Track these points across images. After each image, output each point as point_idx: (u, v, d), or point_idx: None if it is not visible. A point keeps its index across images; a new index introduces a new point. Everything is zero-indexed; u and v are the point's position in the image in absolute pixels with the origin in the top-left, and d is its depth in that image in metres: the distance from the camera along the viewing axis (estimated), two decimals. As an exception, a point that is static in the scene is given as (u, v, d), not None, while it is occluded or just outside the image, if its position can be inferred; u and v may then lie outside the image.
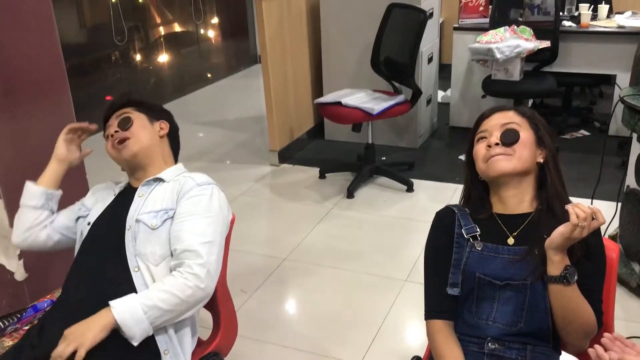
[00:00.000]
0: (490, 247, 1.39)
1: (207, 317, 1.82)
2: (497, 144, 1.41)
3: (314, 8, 4.32)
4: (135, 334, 1.42)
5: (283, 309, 2.70)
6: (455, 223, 1.45)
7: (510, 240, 1.39)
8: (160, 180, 1.68)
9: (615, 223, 2.77)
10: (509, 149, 1.40)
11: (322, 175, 3.92)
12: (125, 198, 1.68)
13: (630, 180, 2.63)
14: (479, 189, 1.50)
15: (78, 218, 1.75)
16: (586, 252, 1.32)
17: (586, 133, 4.43)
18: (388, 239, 3.18)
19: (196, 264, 1.48)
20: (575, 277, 1.28)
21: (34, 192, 1.75)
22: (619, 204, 2.69)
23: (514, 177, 1.42)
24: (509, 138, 1.41)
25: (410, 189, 3.65)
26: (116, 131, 1.70)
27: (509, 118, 1.45)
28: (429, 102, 4.43)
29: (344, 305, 2.65)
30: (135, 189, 1.69)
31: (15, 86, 2.16)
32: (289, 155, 4.25)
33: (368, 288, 2.76)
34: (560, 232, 1.25)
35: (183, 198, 1.60)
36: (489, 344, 1.35)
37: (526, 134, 1.43)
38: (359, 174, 3.76)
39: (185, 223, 1.55)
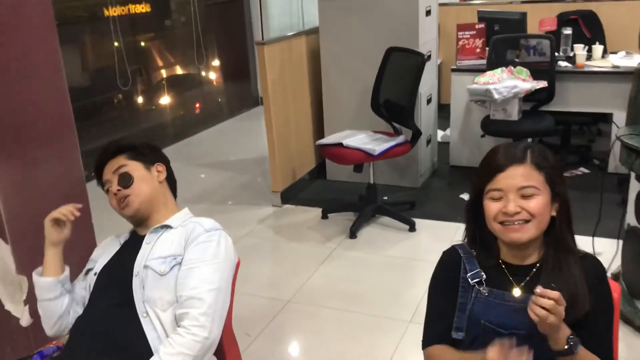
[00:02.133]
0: (496, 293, 1.39)
1: None
2: (517, 213, 1.34)
3: (314, 52, 4.42)
4: None
5: (287, 352, 2.69)
6: (460, 267, 1.45)
7: (516, 292, 1.37)
8: (168, 227, 1.71)
9: (617, 261, 2.78)
10: (528, 215, 1.34)
11: (324, 216, 3.95)
12: (131, 246, 1.71)
13: (631, 218, 2.66)
14: (486, 235, 1.45)
15: (87, 272, 1.77)
16: (591, 304, 1.32)
17: (586, 171, 4.47)
18: (391, 279, 3.19)
19: (201, 314, 1.50)
20: (579, 345, 1.27)
21: (46, 286, 1.69)
22: (620, 242, 2.71)
23: (529, 240, 1.38)
24: (524, 195, 1.35)
25: (412, 228, 3.67)
26: (119, 190, 1.70)
27: (528, 178, 1.35)
28: (429, 142, 4.48)
29: (348, 348, 2.65)
30: (141, 237, 1.71)
31: (24, 134, 2.21)
32: (292, 195, 4.29)
33: (372, 330, 2.76)
34: (543, 328, 1.25)
35: (191, 244, 1.62)
36: (495, 392, 1.34)
37: (544, 196, 1.35)
38: (361, 214, 3.78)
39: (192, 270, 1.57)
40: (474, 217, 1.46)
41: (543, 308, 1.22)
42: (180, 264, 1.60)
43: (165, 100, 6.11)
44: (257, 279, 3.26)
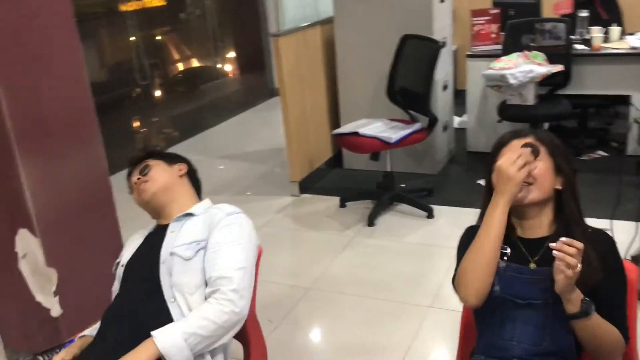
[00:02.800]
0: (513, 267, 1.45)
1: (238, 348, 1.87)
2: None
3: (329, 42, 4.44)
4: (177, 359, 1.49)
5: (309, 338, 2.74)
6: None
7: (532, 266, 1.44)
8: (191, 215, 1.77)
9: (636, 243, 2.78)
10: (530, 178, 1.43)
11: (342, 204, 3.99)
12: (156, 236, 1.77)
13: (650, 201, 2.66)
14: None
15: (116, 268, 1.83)
16: (601, 274, 1.36)
17: (604, 154, 4.45)
18: (410, 266, 3.22)
19: (230, 290, 1.55)
20: (593, 307, 1.32)
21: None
22: (639, 224, 2.72)
23: (534, 206, 1.46)
24: (533, 152, 1.44)
25: (430, 215, 3.70)
26: (138, 178, 1.82)
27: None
28: (445, 128, 4.49)
29: (369, 334, 2.69)
30: (165, 227, 1.77)
31: (49, 129, 2.27)
32: (309, 185, 4.33)
33: (392, 316, 2.80)
34: (563, 282, 1.29)
35: (215, 229, 1.68)
36: (516, 363, 1.39)
37: (546, 162, 1.46)
38: (378, 201, 3.81)
39: (219, 252, 1.63)
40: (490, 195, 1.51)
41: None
42: (204, 248, 1.66)
43: (182, 93, 6.18)
44: (277, 267, 3.32)
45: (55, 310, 2.37)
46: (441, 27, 4.20)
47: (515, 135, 1.53)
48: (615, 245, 1.42)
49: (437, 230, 3.57)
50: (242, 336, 1.81)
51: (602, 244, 1.43)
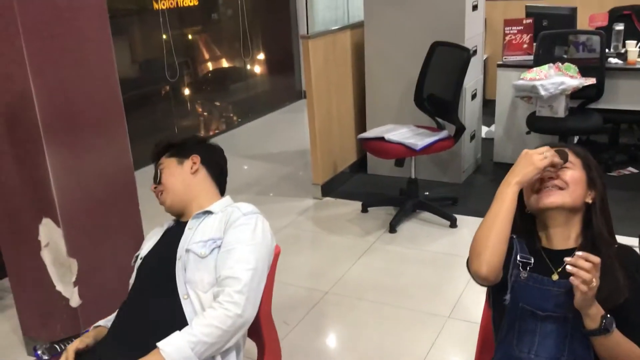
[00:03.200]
0: (535, 277, 1.42)
1: (252, 348, 1.86)
2: (550, 178, 1.43)
3: (358, 46, 4.43)
4: None
5: (324, 342, 2.73)
6: (512, 247, 1.47)
7: (555, 277, 1.41)
8: (209, 212, 1.77)
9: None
10: (562, 182, 1.42)
11: (364, 209, 3.97)
12: (175, 232, 1.78)
13: (680, 220, 2.59)
14: (527, 222, 1.52)
15: (135, 260, 1.84)
16: (627, 292, 1.32)
17: (634, 170, 4.36)
18: (431, 274, 3.18)
19: (235, 292, 1.54)
20: (614, 325, 1.28)
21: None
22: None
23: (562, 212, 1.44)
24: (562, 157, 1.43)
25: (453, 224, 3.66)
26: (155, 187, 1.85)
27: None
28: (472, 137, 4.44)
29: (385, 341, 2.66)
30: (184, 223, 1.78)
31: (76, 122, 2.30)
32: (332, 188, 4.32)
33: (410, 324, 2.77)
34: (580, 297, 1.26)
35: (230, 227, 1.68)
36: (532, 378, 1.36)
37: (579, 172, 1.45)
38: (401, 208, 3.78)
39: (230, 251, 1.62)
40: (518, 207, 1.48)
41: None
42: (219, 247, 1.65)
43: (211, 92, 6.22)
44: (296, 269, 3.31)
45: (75, 300, 2.40)
46: (472, 35, 4.15)
47: (551, 146, 1.51)
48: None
49: (459, 240, 3.52)
50: (256, 336, 1.80)
51: (629, 261, 1.39)
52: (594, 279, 1.24)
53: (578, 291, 1.26)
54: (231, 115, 6.44)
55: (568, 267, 1.25)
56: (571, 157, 1.47)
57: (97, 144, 2.40)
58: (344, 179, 4.49)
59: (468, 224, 3.66)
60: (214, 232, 1.70)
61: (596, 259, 1.24)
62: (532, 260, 1.45)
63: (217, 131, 6.12)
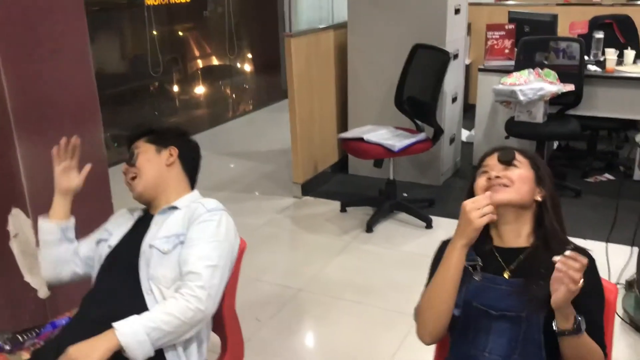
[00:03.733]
0: (488, 277, 1.44)
1: (218, 341, 1.87)
2: (497, 177, 1.47)
3: (341, 46, 4.45)
4: (137, 356, 1.48)
5: (295, 339, 2.74)
6: None
7: (507, 274, 1.44)
8: (175, 208, 1.77)
9: (629, 268, 2.75)
10: (508, 180, 1.45)
11: (343, 209, 3.98)
12: (143, 225, 1.77)
13: (648, 226, 2.63)
14: None
15: (99, 241, 1.84)
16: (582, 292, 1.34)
17: (610, 177, 4.41)
18: (404, 274, 3.20)
19: (198, 287, 1.55)
20: (584, 325, 1.30)
21: (47, 229, 1.84)
22: (634, 248, 2.68)
23: (511, 210, 1.46)
24: (506, 156, 1.48)
25: (429, 225, 3.68)
26: (127, 168, 1.81)
27: None
28: (452, 141, 4.47)
29: (355, 339, 2.68)
30: (152, 216, 1.78)
31: (50, 114, 2.29)
32: (312, 188, 4.33)
33: (381, 322, 2.78)
34: (564, 296, 1.25)
35: (193, 223, 1.68)
36: (484, 376, 1.38)
37: (526, 170, 1.49)
38: (379, 208, 3.81)
39: (193, 247, 1.63)
40: None
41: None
42: (182, 243, 1.66)
43: (196, 89, 6.21)
44: (271, 266, 3.32)
45: (43, 291, 2.38)
46: (454, 39, 4.19)
47: (500, 148, 1.56)
48: (594, 264, 1.41)
49: (434, 241, 3.46)
50: (220, 331, 1.81)
51: None
52: (581, 279, 1.24)
53: (563, 289, 1.25)
54: (216, 112, 6.44)
55: (558, 266, 1.25)
56: (519, 157, 1.51)
57: (70, 135, 2.38)
58: (324, 178, 4.50)
59: (444, 225, 3.69)
60: (178, 228, 1.69)
61: (584, 260, 1.25)
62: (479, 260, 1.47)
63: (201, 128, 6.11)
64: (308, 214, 4.01)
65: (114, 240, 1.79)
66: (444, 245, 1.55)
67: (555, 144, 5.02)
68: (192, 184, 1.92)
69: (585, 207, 3.92)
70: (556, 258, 1.27)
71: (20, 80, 2.16)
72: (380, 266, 3.30)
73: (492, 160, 1.52)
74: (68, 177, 1.87)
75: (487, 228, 1.53)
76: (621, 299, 2.76)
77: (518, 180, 1.46)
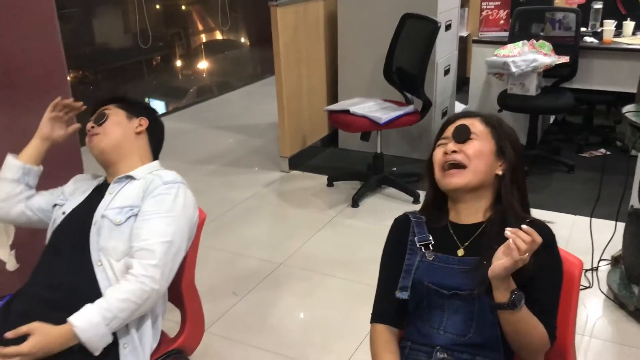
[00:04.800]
0: (440, 257, 1.37)
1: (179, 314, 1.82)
2: (453, 152, 1.38)
3: (331, 16, 4.33)
4: (99, 346, 1.44)
5: (272, 313, 2.69)
6: (409, 230, 1.44)
7: (460, 252, 1.37)
8: (131, 177, 1.70)
9: (613, 244, 2.68)
10: (464, 157, 1.37)
11: (330, 184, 3.91)
12: (99, 193, 1.71)
13: (635, 201, 2.55)
14: (439, 196, 1.47)
15: (55, 205, 1.78)
16: (536, 269, 1.27)
17: (606, 152, 4.31)
18: (387, 249, 3.14)
19: (150, 265, 1.48)
20: (523, 301, 1.23)
21: (11, 165, 1.79)
22: (618, 224, 2.61)
23: (468, 190, 1.39)
24: (460, 135, 1.39)
25: (416, 200, 3.61)
26: (92, 127, 1.74)
27: (471, 125, 1.41)
28: (444, 114, 4.37)
29: (334, 314, 2.63)
30: (108, 185, 1.71)
31: (14, 81, 2.21)
32: (300, 162, 4.26)
33: (359, 297, 2.73)
34: (502, 265, 1.19)
35: (149, 196, 1.60)
36: (438, 353, 1.32)
37: (485, 143, 1.39)
38: (365, 183, 3.73)
39: (146, 221, 1.55)
40: (432, 176, 1.46)
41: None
42: (136, 215, 1.59)
43: (186, 62, 6.11)
44: (252, 241, 3.26)
45: (11, 264, 2.34)
46: (446, 9, 4.07)
47: (462, 115, 1.47)
48: (554, 240, 1.32)
49: (420, 216, 3.47)
50: (179, 305, 1.76)
51: (540, 236, 1.33)
52: (527, 254, 1.18)
53: (503, 259, 1.19)
54: (207, 85, 6.34)
55: (507, 234, 1.19)
56: (479, 126, 1.41)
57: (37, 104, 2.30)
58: (313, 152, 4.43)
59: (431, 200, 3.61)
60: (132, 200, 1.62)
61: (539, 240, 1.18)
62: (431, 238, 1.40)
63: (190, 101, 6.02)
64: (294, 188, 3.95)
65: (69, 207, 1.72)
66: (397, 221, 1.50)
67: (552, 118, 4.91)
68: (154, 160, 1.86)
69: (577, 182, 3.83)
70: (508, 230, 1.19)
71: (-20, 45, 2.09)
72: (364, 241, 3.24)
73: (452, 130, 1.43)
74: (53, 126, 1.83)
75: (444, 204, 1.47)
76: (606, 275, 2.70)
77: (474, 157, 1.37)
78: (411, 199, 3.63)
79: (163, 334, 1.71)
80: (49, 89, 2.35)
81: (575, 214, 3.20)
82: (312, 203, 3.69)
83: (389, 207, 3.61)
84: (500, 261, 1.20)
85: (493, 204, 1.41)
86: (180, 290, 1.70)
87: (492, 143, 1.40)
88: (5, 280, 2.37)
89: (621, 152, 4.28)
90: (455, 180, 1.37)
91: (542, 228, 1.30)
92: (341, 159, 4.41)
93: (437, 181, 1.42)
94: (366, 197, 3.70)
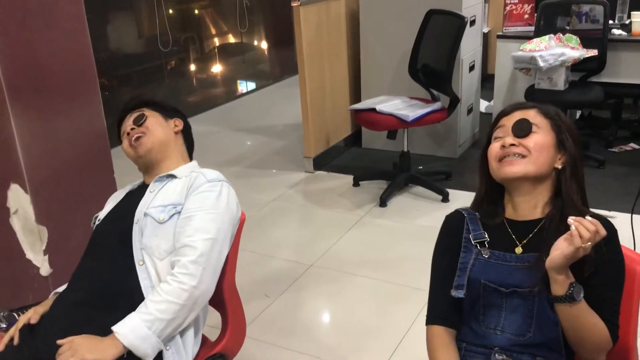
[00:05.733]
0: (497, 254, 1.33)
1: (219, 318, 1.79)
2: (512, 145, 1.33)
3: (353, 14, 4.30)
4: (147, 351, 1.41)
5: (305, 315, 2.65)
6: (464, 227, 1.40)
7: (518, 250, 1.32)
8: (173, 176, 1.68)
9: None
10: (524, 149, 1.32)
11: (356, 183, 3.87)
12: (136, 194, 1.69)
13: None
14: (494, 191, 1.42)
15: (94, 222, 1.76)
16: (597, 264, 1.22)
17: (636, 146, 4.23)
18: (419, 249, 3.09)
19: (191, 262, 1.46)
20: (582, 294, 1.19)
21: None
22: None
23: (526, 182, 1.34)
24: (522, 131, 1.33)
25: (445, 199, 3.56)
26: (132, 128, 1.71)
27: (530, 117, 1.36)
28: (470, 111, 4.32)
29: (367, 314, 2.59)
30: (147, 186, 1.69)
31: (45, 85, 2.21)
32: (325, 162, 4.22)
33: (394, 298, 2.69)
34: (562, 253, 1.16)
35: (192, 194, 1.59)
36: (496, 354, 1.27)
37: (545, 136, 1.34)
38: (393, 182, 3.69)
39: (190, 218, 1.54)
40: (485, 170, 1.42)
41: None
42: (179, 213, 1.57)
43: (207, 65, 6.11)
44: (281, 242, 3.23)
45: (45, 269, 2.33)
46: (471, 5, 4.02)
47: (519, 107, 1.42)
48: (616, 236, 1.27)
49: (450, 215, 3.42)
50: (220, 307, 1.73)
51: None
52: (589, 243, 1.14)
53: (564, 246, 1.15)
54: (226, 87, 6.33)
55: (570, 221, 1.16)
56: (538, 118, 1.36)
57: (68, 107, 2.30)
58: (337, 152, 4.39)
59: (461, 198, 3.57)
60: (175, 197, 1.61)
61: (603, 231, 1.15)
62: (486, 235, 1.36)
63: (212, 104, 6.01)
64: (320, 188, 3.91)
65: (103, 213, 1.71)
66: (449, 219, 1.45)
67: (578, 113, 4.83)
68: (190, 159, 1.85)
69: (609, 177, 3.76)
70: (571, 218, 1.15)
71: (14, 50, 2.08)
72: (394, 241, 3.20)
73: (509, 121, 1.38)
74: None
75: (501, 198, 1.42)
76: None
77: (535, 149, 1.32)
78: (440, 197, 3.57)
79: (204, 337, 1.68)
80: (80, 93, 2.35)
81: (610, 210, 3.14)
82: (339, 203, 3.66)
83: (417, 206, 3.56)
84: (560, 250, 1.16)
85: (552, 198, 1.36)
86: (221, 292, 1.67)
87: (553, 135, 1.35)
88: (39, 284, 2.36)
89: (651, 146, 4.20)
90: (514, 168, 1.32)
91: (604, 222, 1.25)
92: (365, 158, 4.37)
93: (493, 173, 1.37)
94: (394, 196, 3.66)
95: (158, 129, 1.72)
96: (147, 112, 1.76)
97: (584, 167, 1.39)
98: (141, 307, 1.43)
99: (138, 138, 1.69)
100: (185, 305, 1.44)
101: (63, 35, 2.24)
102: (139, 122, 1.71)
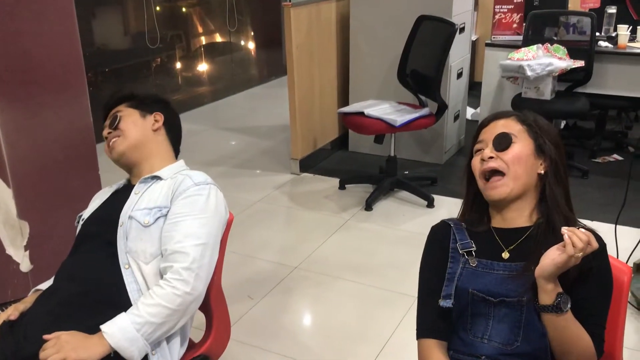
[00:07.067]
0: (484, 263, 1.33)
1: (203, 319, 1.77)
2: (490, 158, 1.34)
3: (343, 17, 4.29)
4: (133, 353, 1.38)
5: (288, 318, 2.64)
6: (450, 237, 1.39)
7: (505, 255, 1.32)
8: (158, 178, 1.65)
9: (638, 251, 2.64)
10: (502, 164, 1.32)
11: (342, 186, 3.87)
12: (121, 195, 1.66)
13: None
14: (479, 201, 1.43)
15: (78, 223, 1.73)
16: (580, 274, 1.23)
17: (619, 158, 4.28)
18: (403, 254, 3.10)
19: (183, 268, 1.43)
20: (569, 305, 1.20)
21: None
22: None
23: (512, 198, 1.35)
24: (500, 145, 1.34)
25: (430, 204, 3.57)
26: (109, 132, 1.68)
27: (507, 127, 1.37)
28: (456, 117, 4.34)
29: (351, 318, 2.58)
30: (133, 186, 1.66)
31: (32, 78, 2.17)
32: (311, 164, 4.21)
33: (378, 302, 2.69)
34: (553, 261, 1.16)
35: (179, 197, 1.55)
36: (484, 363, 1.27)
37: (523, 145, 1.34)
38: (379, 186, 3.69)
39: (178, 223, 1.50)
40: (470, 181, 1.43)
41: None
42: (165, 216, 1.54)
43: (194, 63, 6.07)
44: (266, 244, 3.22)
45: (25, 265, 2.29)
46: (461, 12, 4.04)
47: (497, 116, 1.42)
48: (605, 249, 1.28)
49: (435, 220, 3.37)
50: (205, 309, 1.71)
51: None
52: (580, 254, 1.14)
53: (555, 255, 1.16)
54: (216, 87, 6.29)
55: (563, 229, 1.16)
56: (517, 126, 1.36)
57: (54, 101, 2.27)
58: (324, 155, 4.38)
59: (446, 204, 3.58)
60: (161, 200, 1.57)
61: (595, 244, 1.16)
62: (473, 245, 1.36)
63: (199, 103, 5.97)
64: (305, 191, 3.90)
65: (88, 213, 1.68)
66: (435, 229, 1.45)
67: (563, 123, 4.88)
68: (176, 154, 1.81)
69: (592, 187, 3.80)
70: (565, 228, 1.16)
71: (0, 41, 2.04)
72: (379, 245, 3.20)
73: (488, 134, 1.38)
74: None
75: (485, 208, 1.42)
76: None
77: (512, 163, 1.32)
78: (425, 202, 3.58)
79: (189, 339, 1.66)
80: (67, 86, 2.31)
81: (593, 220, 3.17)
82: (324, 206, 3.65)
83: (402, 210, 3.56)
84: (551, 258, 1.17)
85: (538, 204, 1.36)
86: (207, 293, 1.65)
87: (530, 142, 1.35)
88: (19, 280, 2.32)
89: (634, 157, 4.24)
90: (497, 192, 1.33)
91: (595, 236, 1.25)
92: (352, 161, 4.37)
93: (481, 190, 1.38)
94: (379, 200, 3.66)
95: (132, 131, 1.67)
96: (123, 111, 1.71)
97: (568, 174, 1.40)
98: (132, 309, 1.41)
99: (113, 142, 1.67)
100: (177, 310, 1.42)
101: (52, 27, 2.21)
102: (113, 124, 1.67)
